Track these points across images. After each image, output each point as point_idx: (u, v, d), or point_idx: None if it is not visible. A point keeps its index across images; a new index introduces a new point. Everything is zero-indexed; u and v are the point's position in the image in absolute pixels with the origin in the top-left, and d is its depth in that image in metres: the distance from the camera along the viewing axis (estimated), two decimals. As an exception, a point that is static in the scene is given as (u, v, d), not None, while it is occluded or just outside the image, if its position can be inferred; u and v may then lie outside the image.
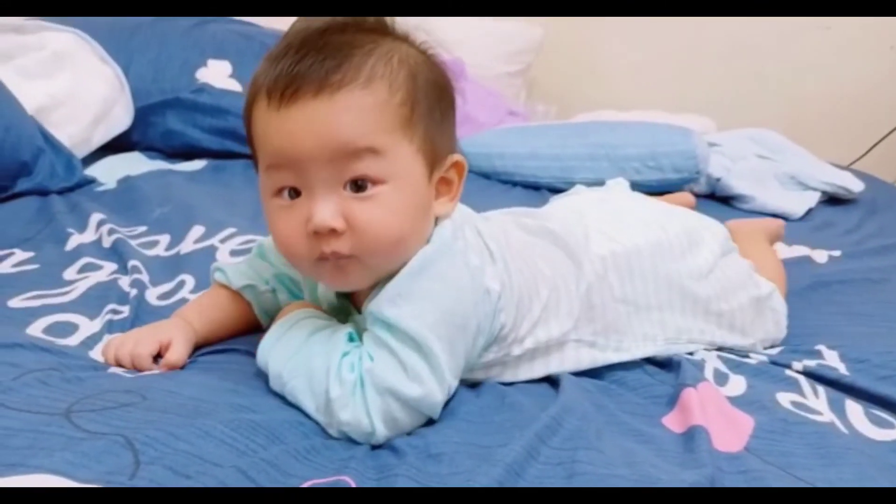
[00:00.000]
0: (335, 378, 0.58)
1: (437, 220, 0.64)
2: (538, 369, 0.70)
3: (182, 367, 0.67)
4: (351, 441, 0.59)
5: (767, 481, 0.57)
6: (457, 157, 0.65)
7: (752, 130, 1.58)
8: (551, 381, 0.70)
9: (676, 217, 0.84)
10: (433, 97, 0.62)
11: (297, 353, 0.61)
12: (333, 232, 0.58)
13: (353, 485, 0.52)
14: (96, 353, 0.69)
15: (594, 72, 2.16)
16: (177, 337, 0.67)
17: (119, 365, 0.66)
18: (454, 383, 0.62)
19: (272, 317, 0.73)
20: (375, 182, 0.58)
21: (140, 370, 0.65)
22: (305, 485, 0.52)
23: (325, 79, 0.56)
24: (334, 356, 0.59)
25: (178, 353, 0.66)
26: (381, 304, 0.60)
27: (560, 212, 0.84)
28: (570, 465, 0.56)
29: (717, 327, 0.79)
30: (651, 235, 0.78)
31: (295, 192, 0.59)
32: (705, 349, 0.79)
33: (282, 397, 0.62)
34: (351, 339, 0.62)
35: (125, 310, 0.78)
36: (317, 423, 0.59)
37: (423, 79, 0.61)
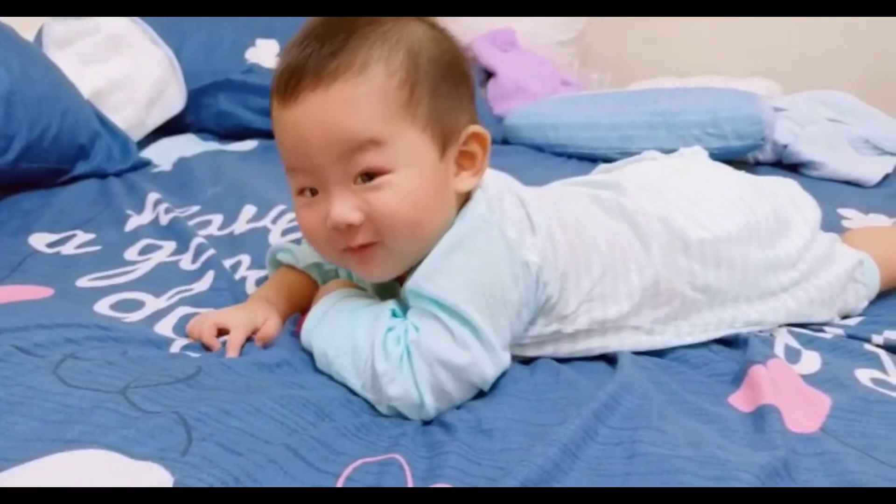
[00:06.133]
0: (380, 352, 0.58)
1: (469, 194, 0.62)
2: (595, 346, 0.68)
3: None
4: (401, 417, 0.58)
5: (846, 464, 0.54)
6: (475, 128, 0.62)
7: (821, 92, 1.50)
8: (608, 358, 0.68)
9: (765, 194, 0.78)
10: (436, 73, 0.59)
11: (340, 332, 0.61)
12: (352, 226, 0.58)
13: (405, 463, 0.51)
14: (161, 329, 0.70)
15: (650, 37, 2.07)
16: (271, 314, 0.68)
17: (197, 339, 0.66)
18: (504, 356, 0.61)
19: None
20: (382, 172, 0.57)
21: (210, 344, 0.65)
22: (357, 464, 0.51)
23: (321, 69, 0.56)
24: (378, 331, 0.59)
25: (274, 324, 0.67)
26: (418, 282, 0.59)
27: (637, 178, 0.77)
28: (630, 444, 0.53)
29: (809, 304, 0.75)
30: (739, 218, 0.73)
31: (314, 191, 0.60)
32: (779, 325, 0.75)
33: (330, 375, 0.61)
34: (394, 315, 0.61)
35: (195, 286, 0.79)
36: (366, 400, 0.59)
37: (426, 56, 0.59)
